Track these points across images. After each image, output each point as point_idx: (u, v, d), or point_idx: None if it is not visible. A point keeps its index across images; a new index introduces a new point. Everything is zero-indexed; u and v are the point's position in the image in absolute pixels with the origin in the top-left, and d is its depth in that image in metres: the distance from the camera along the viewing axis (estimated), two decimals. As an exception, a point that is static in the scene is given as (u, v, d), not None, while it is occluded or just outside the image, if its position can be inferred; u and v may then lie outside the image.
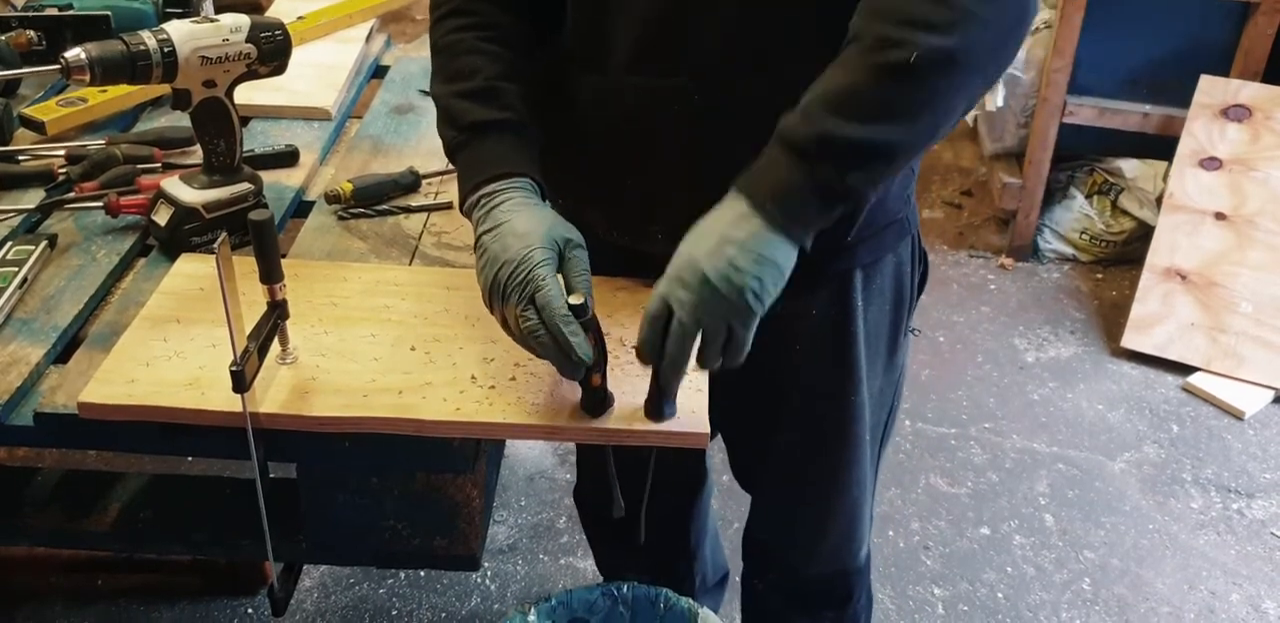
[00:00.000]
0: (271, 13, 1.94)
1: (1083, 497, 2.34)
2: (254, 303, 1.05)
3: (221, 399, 1.04)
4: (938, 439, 2.48)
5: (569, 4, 1.14)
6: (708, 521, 1.79)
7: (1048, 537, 2.24)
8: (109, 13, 1.71)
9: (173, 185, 1.31)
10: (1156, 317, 2.73)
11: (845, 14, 1.01)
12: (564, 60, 1.17)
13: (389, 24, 2.03)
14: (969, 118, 3.38)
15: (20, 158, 1.51)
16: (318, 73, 1.74)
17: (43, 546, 1.81)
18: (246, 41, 1.24)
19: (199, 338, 1.14)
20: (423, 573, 2.10)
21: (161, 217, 1.31)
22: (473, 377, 1.10)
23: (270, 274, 1.05)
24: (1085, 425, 2.54)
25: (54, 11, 1.71)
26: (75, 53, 1.14)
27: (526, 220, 1.04)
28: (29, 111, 1.56)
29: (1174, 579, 2.15)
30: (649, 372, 1.03)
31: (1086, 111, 2.89)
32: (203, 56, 1.21)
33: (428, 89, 1.72)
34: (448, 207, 1.43)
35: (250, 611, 2.01)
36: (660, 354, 1.00)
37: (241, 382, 0.98)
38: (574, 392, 1.06)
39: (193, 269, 1.26)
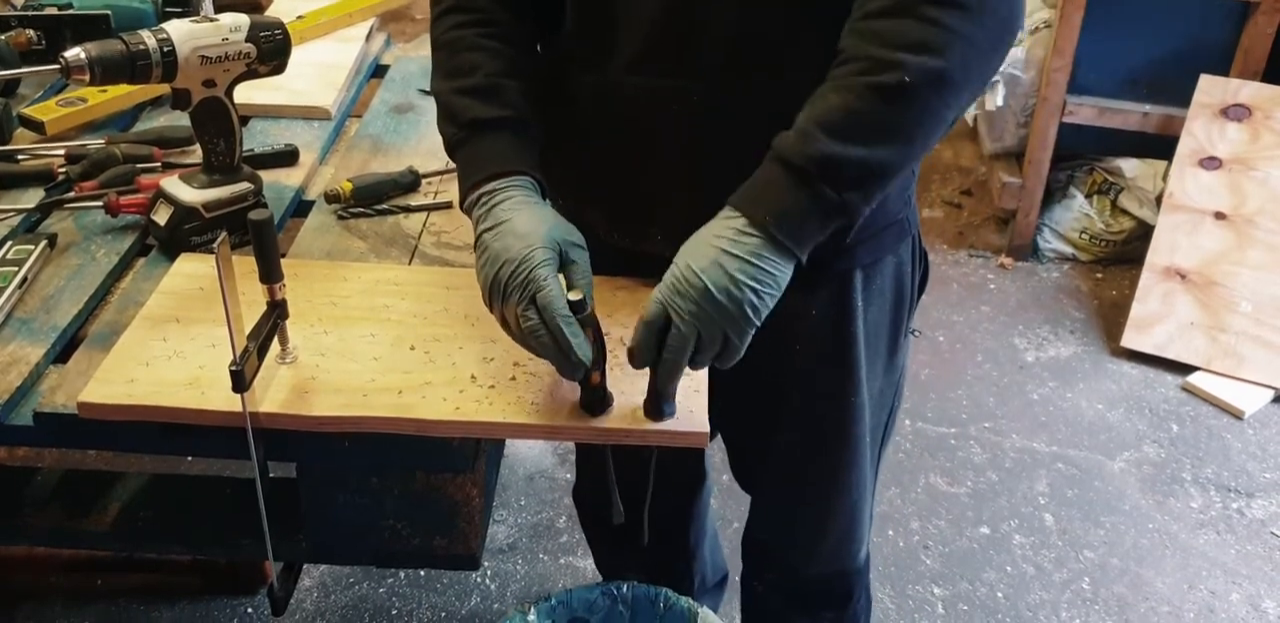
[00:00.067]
0: (271, 12, 1.93)
1: (1082, 496, 2.34)
2: (254, 302, 1.05)
3: (221, 399, 1.04)
4: (937, 439, 2.48)
5: (569, 3, 1.14)
6: (707, 521, 1.79)
7: (1047, 536, 2.24)
8: (108, 12, 1.71)
9: (172, 185, 1.31)
10: (1156, 316, 2.73)
11: (846, 17, 1.01)
12: (564, 59, 1.17)
13: (388, 23, 2.03)
14: (969, 117, 3.38)
15: (20, 157, 1.51)
16: (317, 72, 1.74)
17: (42, 545, 1.81)
18: (246, 41, 1.24)
19: (199, 338, 1.14)
20: (422, 573, 2.10)
21: (161, 216, 1.31)
22: (472, 376, 1.10)
23: (270, 274, 1.05)
24: (1085, 425, 2.54)
25: (53, 11, 1.71)
26: (75, 52, 1.14)
27: (527, 220, 1.04)
28: (28, 111, 1.56)
29: (1174, 579, 2.15)
30: (648, 372, 1.03)
31: (1086, 111, 2.89)
32: (202, 56, 1.21)
33: (427, 88, 1.73)
34: (447, 206, 1.43)
35: (250, 610, 2.01)
36: (655, 358, 1.00)
37: (241, 381, 0.98)
38: (574, 391, 1.06)
39: (192, 269, 1.26)
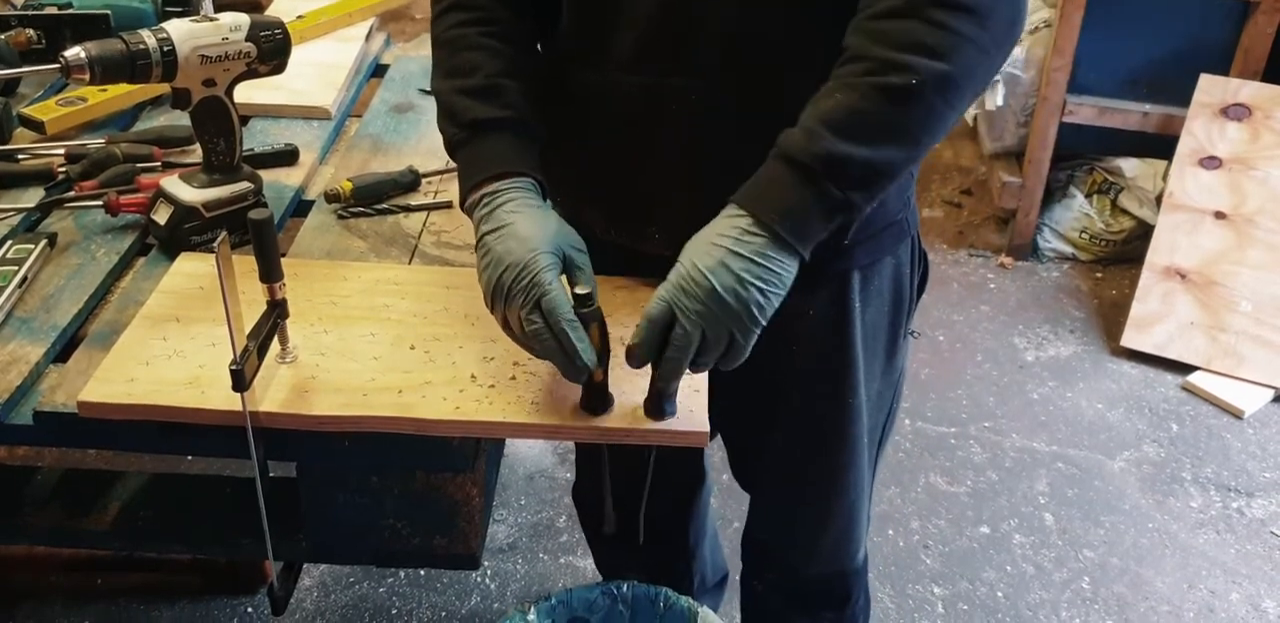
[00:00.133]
0: (271, 11, 1.93)
1: (1082, 496, 2.34)
2: (254, 302, 1.05)
3: (221, 398, 1.04)
4: (937, 438, 2.49)
5: (567, 1, 1.14)
6: (707, 520, 1.79)
7: (1047, 536, 2.24)
8: (108, 12, 1.71)
9: (172, 184, 1.31)
10: (1156, 316, 2.73)
11: (846, 16, 1.01)
12: (563, 58, 1.17)
13: (388, 23, 2.03)
14: (969, 117, 3.38)
15: (20, 157, 1.51)
16: (317, 72, 1.74)
17: (42, 544, 1.81)
18: (246, 40, 1.24)
19: (199, 337, 1.14)
20: (422, 572, 2.10)
21: (161, 216, 1.31)
22: (472, 376, 1.10)
23: (270, 273, 1.05)
24: (1085, 424, 2.54)
25: (53, 10, 1.71)
26: (75, 52, 1.14)
27: (530, 223, 1.04)
28: (28, 111, 1.56)
29: (1173, 578, 2.15)
30: (649, 371, 1.03)
31: (1086, 111, 2.89)
32: (202, 55, 1.21)
33: (428, 88, 1.73)
34: (447, 206, 1.43)
35: (250, 610, 2.01)
36: (656, 357, 1.01)
37: (241, 381, 0.98)
38: (574, 391, 1.06)
39: (192, 268, 1.26)
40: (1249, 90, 2.64)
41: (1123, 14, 2.81)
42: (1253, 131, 2.64)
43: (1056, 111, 2.90)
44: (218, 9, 1.63)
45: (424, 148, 1.57)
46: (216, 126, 1.28)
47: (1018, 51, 2.96)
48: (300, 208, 1.47)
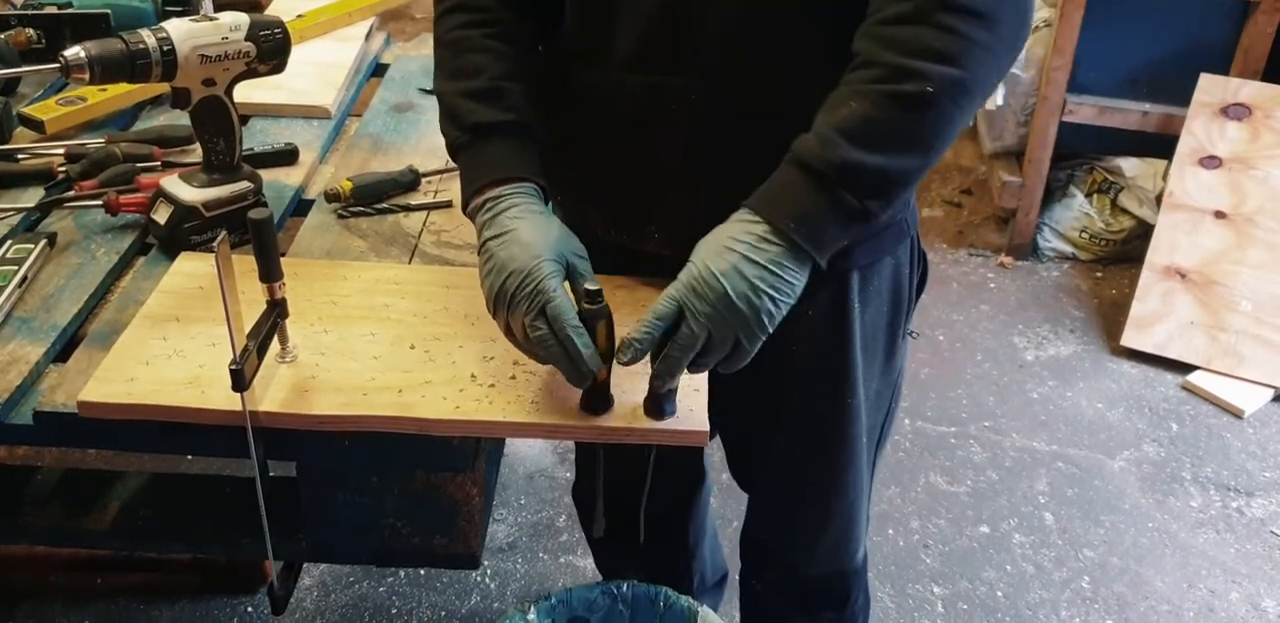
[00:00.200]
0: (271, 11, 1.93)
1: (1082, 495, 2.34)
2: (253, 302, 1.05)
3: (221, 398, 1.04)
4: (937, 438, 2.49)
5: (569, 1, 1.14)
6: (706, 520, 1.79)
7: (1047, 535, 2.24)
8: (108, 11, 1.71)
9: (172, 184, 1.31)
10: (1156, 315, 2.73)
11: (846, 17, 1.01)
12: (565, 57, 1.17)
13: (388, 22, 2.04)
14: (969, 116, 3.37)
15: (20, 156, 1.51)
16: (317, 71, 1.74)
17: (42, 544, 1.81)
18: (246, 40, 1.24)
19: (199, 337, 1.14)
20: (422, 572, 2.10)
21: (161, 215, 1.31)
22: (472, 375, 1.10)
23: (270, 273, 1.05)
24: (1085, 424, 2.54)
25: (53, 10, 1.71)
26: (74, 51, 1.14)
27: (532, 230, 1.05)
28: (28, 110, 1.56)
29: (1173, 578, 2.15)
30: (649, 371, 1.03)
31: (1086, 110, 2.89)
32: (202, 55, 1.21)
33: (427, 87, 1.73)
34: (447, 205, 1.43)
35: (250, 609, 2.01)
36: (655, 353, 1.01)
37: (241, 380, 0.98)
38: (574, 390, 1.06)
39: (192, 268, 1.26)
40: (1249, 90, 2.64)
41: (1123, 13, 2.81)
42: (1253, 131, 2.64)
43: (1056, 111, 2.90)
44: (217, 8, 1.63)
45: (424, 147, 1.57)
46: (216, 126, 1.28)
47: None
48: (300, 207, 1.47)
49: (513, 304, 1.02)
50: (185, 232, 1.30)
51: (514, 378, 1.10)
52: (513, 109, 1.11)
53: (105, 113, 1.61)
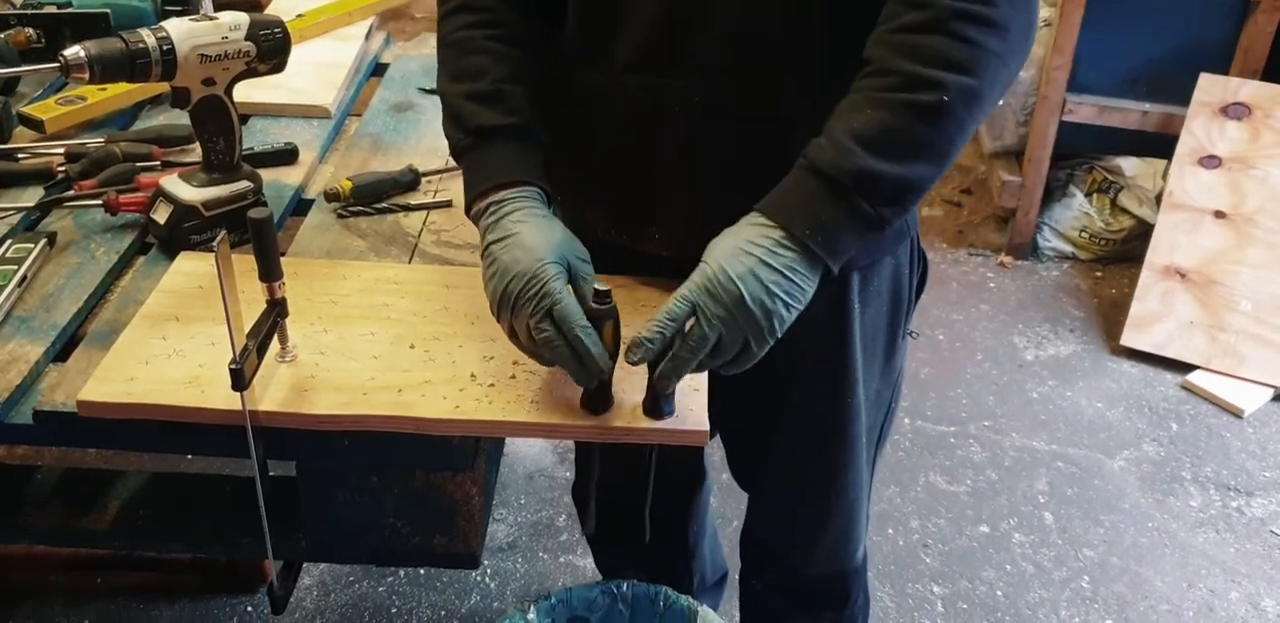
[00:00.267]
0: (270, 10, 1.93)
1: (1082, 495, 2.34)
2: (253, 301, 1.05)
3: (221, 397, 1.04)
4: (937, 437, 2.49)
5: (571, 2, 1.14)
6: (706, 519, 1.79)
7: (1047, 535, 2.24)
8: (108, 10, 1.71)
9: (172, 183, 1.31)
10: (1156, 315, 2.73)
11: (846, 19, 1.01)
12: (567, 59, 1.17)
13: (388, 22, 2.04)
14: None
15: (19, 156, 1.51)
16: (317, 71, 1.74)
17: (42, 544, 1.81)
18: (246, 39, 1.24)
19: (198, 336, 1.14)
20: (422, 571, 2.10)
21: (161, 215, 1.31)
22: (472, 375, 1.10)
23: (269, 272, 1.05)
24: (1084, 424, 2.54)
25: (53, 9, 1.71)
26: (74, 51, 1.14)
27: (536, 233, 1.05)
28: (28, 110, 1.56)
29: (1173, 577, 2.15)
30: (649, 370, 1.03)
31: (1086, 109, 2.89)
32: (202, 54, 1.21)
33: (427, 87, 1.73)
34: (447, 204, 1.43)
35: (250, 609, 2.01)
36: (663, 353, 1.00)
37: (241, 380, 0.98)
38: (574, 390, 1.06)
39: (192, 267, 1.26)
40: (1249, 89, 2.64)
41: (1123, 13, 2.81)
42: (1252, 131, 2.64)
43: (1056, 110, 2.90)
44: (217, 8, 1.63)
45: (424, 147, 1.57)
46: (216, 125, 1.28)
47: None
48: (300, 207, 1.47)
49: (517, 307, 1.02)
50: (185, 231, 1.30)
51: (514, 377, 1.10)
52: (515, 112, 1.11)
53: (105, 112, 1.61)
